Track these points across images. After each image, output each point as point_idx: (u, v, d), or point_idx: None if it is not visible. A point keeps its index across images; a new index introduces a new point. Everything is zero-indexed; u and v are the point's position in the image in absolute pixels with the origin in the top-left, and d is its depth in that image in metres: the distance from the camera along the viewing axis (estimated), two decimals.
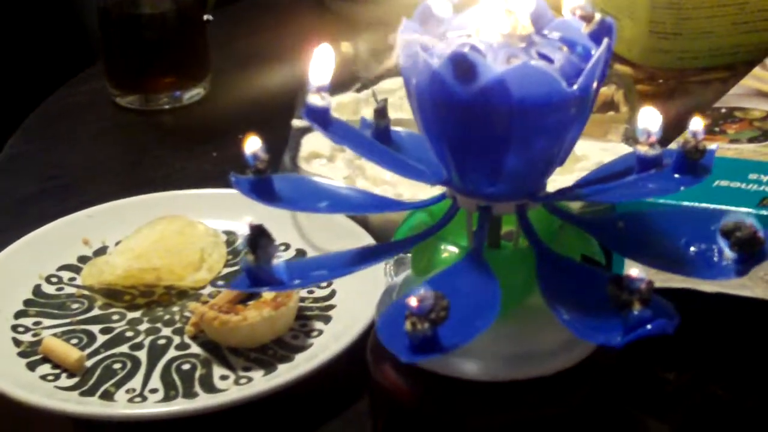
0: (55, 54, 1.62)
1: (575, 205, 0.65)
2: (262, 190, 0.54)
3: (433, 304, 0.46)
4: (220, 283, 0.74)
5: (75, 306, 0.73)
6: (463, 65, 0.49)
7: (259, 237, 0.50)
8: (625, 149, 0.82)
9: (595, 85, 0.50)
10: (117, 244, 0.77)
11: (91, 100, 1.04)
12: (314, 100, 0.56)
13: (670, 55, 0.89)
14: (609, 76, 0.89)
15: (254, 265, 0.50)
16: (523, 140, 0.50)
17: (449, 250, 0.55)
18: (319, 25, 1.12)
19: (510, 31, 0.51)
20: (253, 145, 0.53)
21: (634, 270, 0.47)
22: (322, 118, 0.56)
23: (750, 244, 0.49)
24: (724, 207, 0.65)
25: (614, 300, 0.47)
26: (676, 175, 0.53)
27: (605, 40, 0.51)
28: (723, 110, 0.78)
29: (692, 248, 0.52)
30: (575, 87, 0.49)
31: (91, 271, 0.75)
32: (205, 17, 1.05)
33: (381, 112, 0.60)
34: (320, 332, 0.69)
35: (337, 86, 0.92)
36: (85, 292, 0.74)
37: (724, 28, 0.89)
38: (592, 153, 0.80)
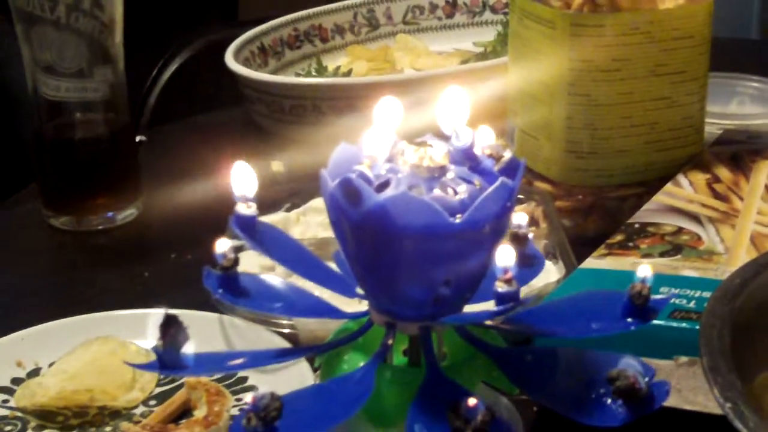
0: None
1: None
2: (229, 285, 0.58)
3: (267, 404, 0.50)
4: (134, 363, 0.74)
5: (8, 428, 0.73)
6: (349, 190, 0.52)
7: (170, 324, 0.53)
8: (546, 265, 0.85)
9: (496, 215, 0.53)
10: (50, 365, 0.78)
11: (24, 221, 1.05)
12: (241, 209, 0.58)
13: (587, 173, 0.92)
14: (530, 194, 0.93)
15: (163, 350, 0.54)
16: (414, 265, 0.53)
17: (352, 360, 0.57)
18: (253, 145, 1.14)
19: (417, 162, 0.55)
20: (222, 245, 0.57)
21: (472, 399, 0.49)
22: (248, 227, 0.59)
23: (630, 394, 0.52)
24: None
25: (451, 427, 0.50)
26: (629, 318, 0.55)
27: (499, 180, 0.53)
28: (636, 225, 0.82)
29: (590, 390, 0.54)
30: (458, 220, 0.52)
31: (24, 392, 0.75)
32: (138, 139, 1.07)
33: None
34: None
35: (267, 205, 0.95)
36: (19, 414, 0.75)
37: (637, 147, 0.92)
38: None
